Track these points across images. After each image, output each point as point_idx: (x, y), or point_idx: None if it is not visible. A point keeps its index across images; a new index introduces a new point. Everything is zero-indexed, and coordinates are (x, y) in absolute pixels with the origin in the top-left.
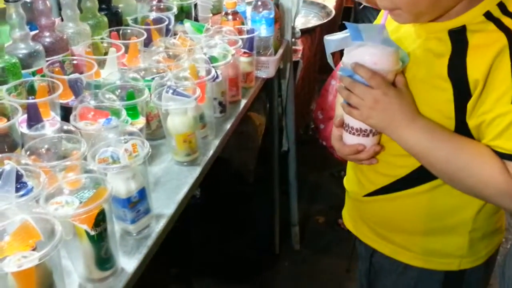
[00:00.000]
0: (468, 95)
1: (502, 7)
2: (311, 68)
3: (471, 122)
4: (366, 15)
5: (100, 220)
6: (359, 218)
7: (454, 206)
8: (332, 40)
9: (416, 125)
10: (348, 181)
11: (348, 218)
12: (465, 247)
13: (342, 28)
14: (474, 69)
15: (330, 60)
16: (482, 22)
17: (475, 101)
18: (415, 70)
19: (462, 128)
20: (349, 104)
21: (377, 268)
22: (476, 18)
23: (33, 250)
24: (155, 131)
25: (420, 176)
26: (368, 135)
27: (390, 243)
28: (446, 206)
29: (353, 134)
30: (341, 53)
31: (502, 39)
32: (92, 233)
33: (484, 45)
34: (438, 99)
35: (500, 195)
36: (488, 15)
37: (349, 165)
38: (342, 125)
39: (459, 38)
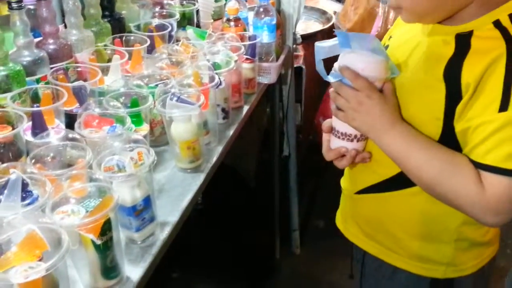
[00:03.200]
0: (459, 98)
1: None
2: (316, 75)
3: (458, 126)
4: None
5: (106, 229)
6: (350, 217)
7: (440, 212)
8: (323, 47)
9: (396, 131)
10: (344, 178)
11: (340, 218)
12: (450, 255)
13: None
14: (468, 72)
15: (320, 67)
16: (490, 29)
17: (464, 105)
18: (414, 69)
19: (448, 131)
20: (337, 107)
21: (368, 270)
22: (485, 25)
23: (40, 260)
24: (158, 138)
25: (407, 178)
26: (352, 140)
27: (378, 244)
28: (432, 212)
29: (339, 137)
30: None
31: (502, 47)
32: (98, 242)
33: (483, 50)
34: (430, 99)
35: (471, 206)
36: (497, 24)
37: None
38: (331, 130)
39: (463, 42)
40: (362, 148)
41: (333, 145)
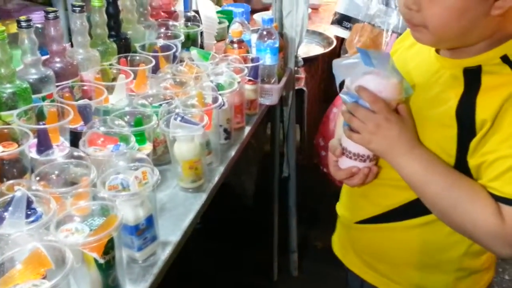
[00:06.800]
0: (473, 134)
1: None
2: (317, 97)
3: (472, 161)
4: None
5: (109, 248)
6: (349, 245)
7: (442, 244)
8: (342, 65)
9: (414, 154)
10: (341, 206)
11: (338, 245)
12: (449, 284)
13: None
14: (483, 109)
15: (340, 87)
16: (498, 64)
17: (478, 140)
18: (423, 103)
19: (462, 166)
20: (350, 128)
21: None
22: (493, 60)
23: (43, 278)
24: (160, 157)
25: (411, 210)
26: (365, 161)
27: (377, 273)
28: (434, 243)
29: (350, 158)
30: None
31: None
32: (101, 261)
33: (496, 86)
34: (442, 136)
35: (488, 237)
36: (505, 59)
37: (344, 191)
38: (337, 152)
39: (473, 78)
40: (374, 165)
41: (343, 165)
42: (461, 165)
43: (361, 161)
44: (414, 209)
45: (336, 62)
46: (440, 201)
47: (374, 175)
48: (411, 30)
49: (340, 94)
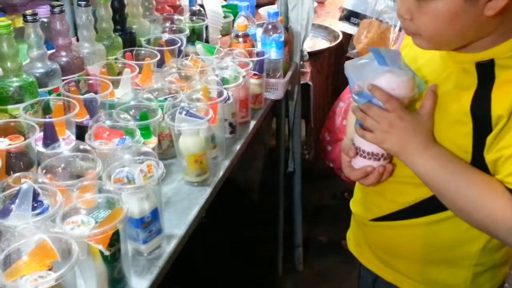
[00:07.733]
0: (489, 130)
1: None
2: (323, 91)
3: (489, 156)
4: None
5: (114, 240)
6: (363, 242)
7: (460, 239)
8: (354, 66)
9: (430, 153)
10: (355, 204)
11: (353, 241)
12: (468, 280)
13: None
14: (499, 104)
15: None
16: (511, 57)
17: (494, 136)
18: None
19: (478, 162)
20: (363, 127)
21: None
22: (506, 53)
23: (49, 270)
24: (165, 151)
25: (428, 207)
26: (379, 159)
27: (393, 270)
28: (452, 239)
29: (364, 157)
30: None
31: None
32: (107, 253)
33: (510, 80)
34: (457, 133)
35: (507, 232)
36: None
37: (357, 188)
38: (351, 153)
39: (486, 72)
40: (388, 163)
41: (357, 165)
42: (478, 161)
43: (376, 160)
44: (431, 205)
45: (348, 64)
46: (458, 199)
47: (389, 173)
48: (410, 37)
49: (352, 95)
